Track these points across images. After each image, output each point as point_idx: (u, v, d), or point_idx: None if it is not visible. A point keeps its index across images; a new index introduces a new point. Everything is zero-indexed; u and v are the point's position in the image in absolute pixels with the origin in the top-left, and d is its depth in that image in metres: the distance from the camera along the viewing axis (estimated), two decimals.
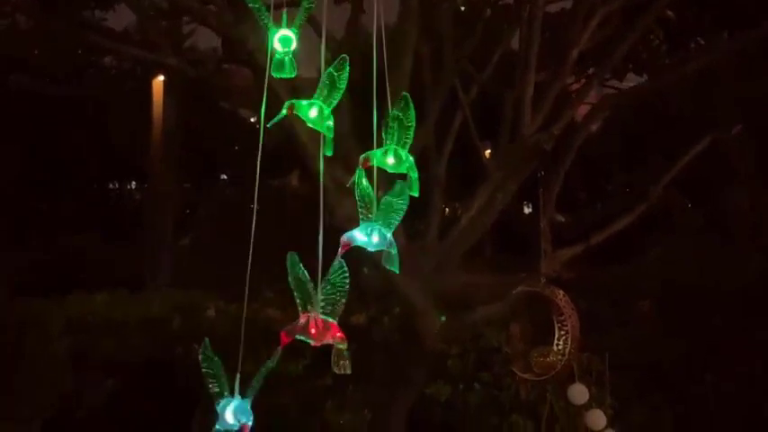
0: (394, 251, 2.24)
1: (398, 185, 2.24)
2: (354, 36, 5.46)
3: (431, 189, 6.28)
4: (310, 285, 2.14)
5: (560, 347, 3.76)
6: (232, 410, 2.11)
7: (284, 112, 2.27)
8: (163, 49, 5.51)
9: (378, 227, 2.21)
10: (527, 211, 14.06)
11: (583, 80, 9.04)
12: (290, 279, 2.15)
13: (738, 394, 5.98)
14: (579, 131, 5.21)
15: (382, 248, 2.25)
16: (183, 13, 5.67)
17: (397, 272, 2.26)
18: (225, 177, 20.67)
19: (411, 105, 2.25)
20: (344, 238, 2.19)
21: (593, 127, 5.39)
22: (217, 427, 2.12)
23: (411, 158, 2.25)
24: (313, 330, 2.07)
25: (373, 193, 2.21)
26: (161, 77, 13.79)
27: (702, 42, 8.71)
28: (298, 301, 2.14)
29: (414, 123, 2.24)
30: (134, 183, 20.81)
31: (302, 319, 2.09)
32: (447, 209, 11.41)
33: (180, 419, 6.38)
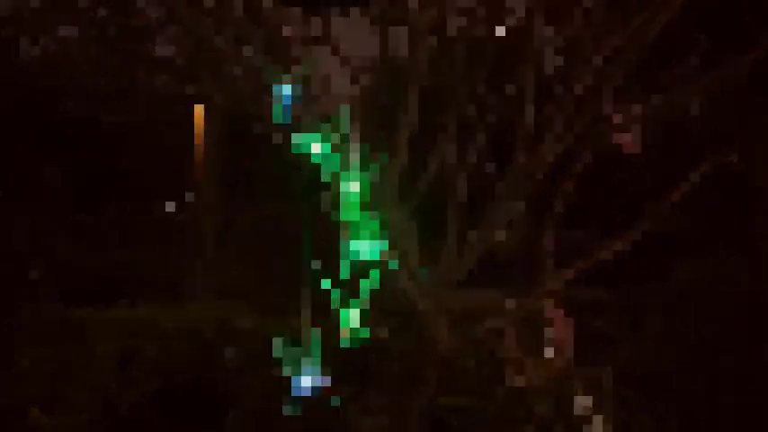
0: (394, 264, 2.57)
1: None
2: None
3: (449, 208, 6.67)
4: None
5: (552, 357, 4.11)
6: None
7: None
8: (204, 81, 6.02)
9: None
10: None
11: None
12: None
13: (741, 403, 6.17)
14: (577, 158, 5.55)
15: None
16: (222, 57, 6.19)
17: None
18: (263, 197, 21.32)
19: None
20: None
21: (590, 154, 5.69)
22: None
23: None
24: None
25: None
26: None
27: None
28: None
29: None
30: (175, 203, 21.63)
31: None
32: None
33: (215, 422, 6.90)
